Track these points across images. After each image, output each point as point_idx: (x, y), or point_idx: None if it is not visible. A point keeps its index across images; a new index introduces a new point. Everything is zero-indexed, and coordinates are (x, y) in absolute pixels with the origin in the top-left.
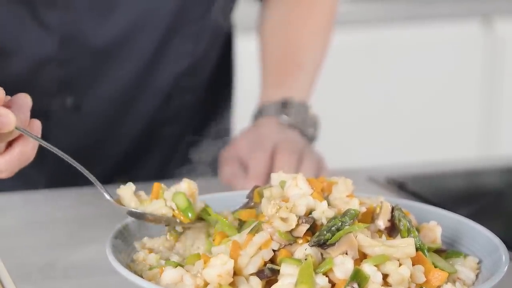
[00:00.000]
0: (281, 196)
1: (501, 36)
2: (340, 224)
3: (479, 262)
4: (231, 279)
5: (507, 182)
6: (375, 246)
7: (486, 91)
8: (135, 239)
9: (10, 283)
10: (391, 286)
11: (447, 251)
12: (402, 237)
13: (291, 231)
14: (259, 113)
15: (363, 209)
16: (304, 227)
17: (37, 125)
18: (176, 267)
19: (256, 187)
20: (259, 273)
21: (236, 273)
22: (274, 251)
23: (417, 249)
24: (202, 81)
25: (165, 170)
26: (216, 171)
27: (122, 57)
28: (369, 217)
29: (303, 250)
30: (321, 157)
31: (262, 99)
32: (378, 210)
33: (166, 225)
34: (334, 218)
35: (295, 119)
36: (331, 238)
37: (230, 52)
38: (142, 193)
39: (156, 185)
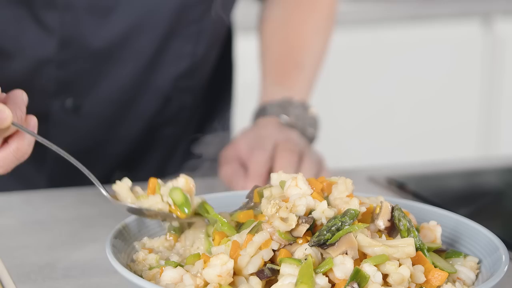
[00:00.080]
0: (281, 196)
1: (501, 36)
2: (340, 224)
3: (479, 262)
4: (231, 279)
5: (507, 182)
6: (375, 246)
7: (486, 91)
8: (135, 239)
9: (10, 283)
10: (391, 286)
11: (447, 251)
12: (402, 237)
13: (291, 231)
14: (259, 113)
15: (363, 209)
16: (304, 227)
17: (33, 121)
18: (176, 267)
19: (256, 187)
20: (259, 273)
21: (236, 273)
22: (274, 251)
23: (417, 249)
24: (201, 82)
25: (165, 170)
26: (216, 171)
27: (122, 59)
28: (369, 217)
29: (303, 250)
30: (321, 157)
31: (262, 98)
32: (378, 210)
33: (162, 220)
34: (334, 218)
35: (295, 119)
36: (331, 238)
37: (230, 52)
38: (138, 188)
39: (152, 181)
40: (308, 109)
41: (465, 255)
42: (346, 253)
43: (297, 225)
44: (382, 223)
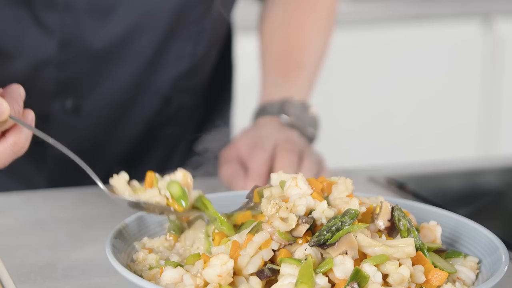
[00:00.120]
0: (281, 196)
1: (500, 36)
2: (340, 224)
3: (479, 262)
4: (231, 279)
5: (507, 182)
6: (375, 246)
7: (486, 91)
8: (135, 239)
9: (10, 283)
10: (391, 286)
11: (447, 251)
12: (402, 237)
13: (291, 231)
14: (260, 112)
15: (363, 209)
16: (304, 227)
17: (31, 115)
18: (176, 267)
19: (256, 187)
20: (259, 273)
21: (236, 273)
22: (274, 251)
23: (417, 249)
24: (201, 82)
25: (165, 170)
26: (216, 171)
27: (122, 59)
28: (369, 217)
29: (303, 250)
30: (321, 157)
31: (263, 98)
32: (378, 210)
33: (160, 214)
34: (334, 218)
35: (295, 118)
36: (331, 238)
37: (229, 52)
38: (135, 182)
39: (150, 174)
40: (308, 109)
41: (465, 255)
42: (346, 253)
43: (297, 225)
44: (382, 223)
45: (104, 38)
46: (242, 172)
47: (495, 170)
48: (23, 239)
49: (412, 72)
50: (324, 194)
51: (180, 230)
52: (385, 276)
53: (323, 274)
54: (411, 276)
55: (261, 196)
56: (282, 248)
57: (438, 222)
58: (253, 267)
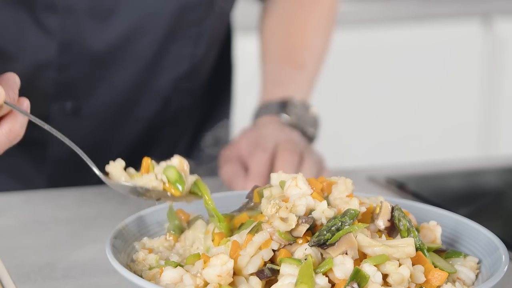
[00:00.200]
0: (281, 196)
1: (500, 36)
2: (340, 224)
3: (479, 262)
4: (231, 279)
5: (507, 182)
6: (375, 246)
7: (486, 91)
8: (135, 239)
9: (10, 283)
10: (391, 286)
11: (447, 251)
12: (402, 237)
13: (291, 231)
14: (260, 112)
15: (363, 209)
16: (304, 227)
17: (26, 103)
18: (176, 267)
19: (255, 187)
20: (259, 273)
21: (236, 273)
22: (274, 251)
23: (417, 249)
24: (201, 83)
25: None
26: (215, 171)
27: (122, 61)
28: (369, 217)
29: (303, 250)
30: (322, 158)
31: (263, 97)
32: (378, 210)
33: (157, 200)
34: (334, 218)
35: (295, 118)
36: (331, 238)
37: (229, 51)
38: (131, 169)
39: (146, 160)
40: (309, 109)
41: (465, 255)
42: (346, 253)
43: (297, 225)
44: (382, 223)
45: (104, 40)
46: (243, 172)
47: (495, 170)
48: (23, 239)
49: (412, 72)
50: (324, 194)
51: (180, 230)
52: (385, 276)
53: (323, 274)
54: (411, 276)
55: (261, 196)
56: (282, 248)
57: (438, 222)
58: (253, 267)
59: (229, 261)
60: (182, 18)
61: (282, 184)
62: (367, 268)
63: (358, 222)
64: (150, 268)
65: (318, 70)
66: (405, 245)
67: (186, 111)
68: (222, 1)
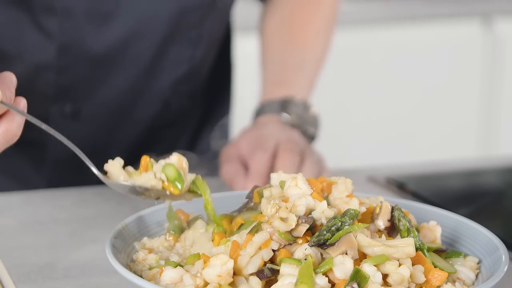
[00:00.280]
0: (280, 196)
1: (500, 36)
2: (340, 224)
3: (479, 262)
4: (231, 279)
5: (507, 182)
6: (375, 246)
7: (486, 91)
8: (135, 239)
9: (10, 283)
10: (391, 286)
11: (447, 251)
12: (402, 237)
13: (290, 231)
14: (260, 110)
15: (363, 209)
16: (304, 227)
17: (23, 102)
18: (175, 267)
19: (255, 187)
20: (259, 273)
21: (236, 273)
22: (273, 251)
23: (417, 249)
24: (200, 85)
25: None
26: (214, 171)
27: (121, 64)
28: (369, 217)
29: (303, 250)
30: (322, 158)
31: (263, 96)
32: (378, 210)
33: (156, 199)
34: (334, 218)
35: (296, 117)
36: (331, 238)
37: (229, 52)
38: (130, 168)
39: (144, 158)
40: (309, 108)
41: (465, 255)
42: (346, 253)
43: (297, 225)
44: (382, 223)
45: (103, 43)
46: (243, 171)
47: (495, 170)
48: (23, 239)
49: (412, 72)
50: (324, 194)
51: (180, 230)
52: (385, 276)
53: (323, 274)
54: (411, 276)
55: (261, 196)
56: (282, 248)
57: (438, 222)
58: (253, 267)
59: (229, 261)
60: (181, 20)
61: (282, 184)
62: (367, 268)
63: (358, 222)
64: (150, 268)
65: (318, 70)
66: (405, 245)
67: (185, 112)
68: (221, 7)
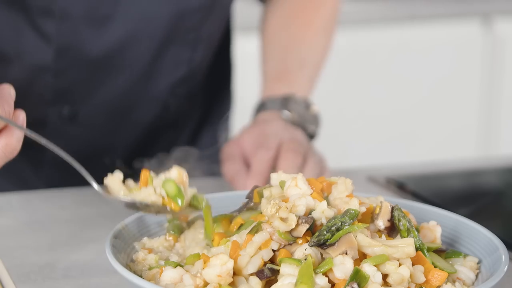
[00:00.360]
0: (280, 196)
1: (500, 36)
2: (339, 224)
3: (479, 262)
4: (231, 279)
5: (507, 182)
6: (375, 246)
7: (486, 91)
8: (135, 239)
9: (10, 283)
10: (391, 286)
11: (447, 251)
12: (402, 237)
13: (290, 231)
14: (261, 107)
15: (363, 209)
16: (304, 227)
17: (22, 116)
18: (175, 267)
19: (255, 187)
20: (258, 273)
21: (236, 273)
22: (273, 251)
23: (417, 249)
24: (199, 86)
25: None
26: (214, 171)
27: (119, 67)
28: (369, 217)
29: (303, 250)
30: (323, 158)
31: (264, 93)
32: (378, 210)
33: (156, 214)
34: (334, 218)
35: (296, 115)
36: (331, 238)
37: (228, 52)
38: (130, 182)
39: (144, 173)
40: (310, 107)
41: (465, 255)
42: (346, 253)
43: (297, 225)
44: (382, 223)
45: (101, 46)
46: (245, 170)
47: (495, 170)
48: (23, 239)
49: (412, 72)
50: (324, 194)
51: (179, 230)
52: (385, 276)
53: (323, 274)
54: (411, 276)
55: (261, 196)
56: (282, 248)
57: (438, 222)
58: (253, 267)
59: (229, 261)
60: (180, 23)
61: (282, 184)
62: (367, 268)
63: (358, 222)
64: (150, 268)
65: (319, 69)
66: (405, 245)
67: (184, 113)
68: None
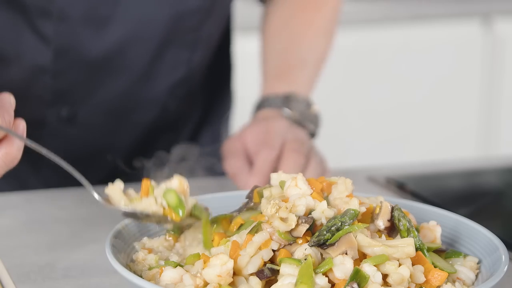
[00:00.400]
0: (280, 196)
1: (501, 36)
2: (339, 224)
3: (479, 262)
4: (231, 279)
5: (507, 182)
6: (374, 246)
7: (486, 91)
8: (135, 239)
9: (10, 283)
10: (391, 286)
11: (447, 251)
12: (402, 237)
13: (290, 231)
14: (262, 104)
15: (363, 209)
16: (304, 227)
17: (22, 125)
18: (175, 267)
19: (255, 187)
20: (258, 273)
21: (236, 273)
22: (273, 251)
23: (417, 249)
24: (198, 87)
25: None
26: (213, 172)
27: (117, 68)
28: (368, 217)
29: (303, 250)
30: (324, 158)
31: (265, 90)
32: (377, 210)
33: (157, 223)
34: (334, 218)
35: (297, 114)
36: (330, 238)
37: (227, 51)
38: (131, 191)
39: (145, 182)
40: (311, 106)
41: (465, 255)
42: (346, 253)
43: (297, 225)
44: (382, 223)
45: (100, 47)
46: (247, 167)
47: (495, 170)
48: (23, 239)
49: (412, 72)
50: (324, 194)
51: (179, 230)
52: (385, 276)
53: (323, 274)
54: (411, 276)
55: (261, 196)
56: (282, 248)
57: (438, 222)
58: (253, 267)
59: (229, 261)
60: (179, 24)
61: (282, 184)
62: (367, 268)
63: (358, 222)
64: (150, 268)
65: (319, 69)
66: (405, 245)
67: (183, 114)
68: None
